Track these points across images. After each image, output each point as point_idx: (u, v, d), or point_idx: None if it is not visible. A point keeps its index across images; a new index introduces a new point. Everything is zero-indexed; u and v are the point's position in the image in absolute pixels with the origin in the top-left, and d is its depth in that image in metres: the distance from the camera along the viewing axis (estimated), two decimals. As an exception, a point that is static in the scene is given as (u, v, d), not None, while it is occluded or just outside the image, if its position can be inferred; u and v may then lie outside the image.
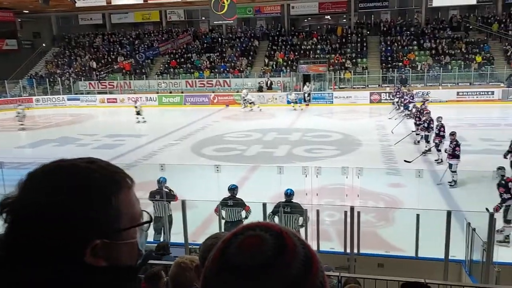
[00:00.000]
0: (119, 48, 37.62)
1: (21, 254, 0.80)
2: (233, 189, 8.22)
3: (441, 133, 13.28)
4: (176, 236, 7.81)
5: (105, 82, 33.94)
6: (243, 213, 8.02)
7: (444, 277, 6.31)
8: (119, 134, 20.42)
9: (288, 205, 7.65)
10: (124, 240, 0.87)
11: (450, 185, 11.25)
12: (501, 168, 8.59)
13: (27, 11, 38.19)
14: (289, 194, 7.83)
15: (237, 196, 8.18)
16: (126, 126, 23.18)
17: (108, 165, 0.90)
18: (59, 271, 0.80)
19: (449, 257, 6.45)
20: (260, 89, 30.19)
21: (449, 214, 6.60)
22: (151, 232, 8.24)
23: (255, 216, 7.66)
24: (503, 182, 8.24)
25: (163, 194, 8.51)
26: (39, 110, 30.53)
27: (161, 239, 8.19)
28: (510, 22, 31.55)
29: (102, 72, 35.11)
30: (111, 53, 37.18)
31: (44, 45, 39.62)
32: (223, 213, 8.03)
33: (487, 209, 6.94)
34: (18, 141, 20.23)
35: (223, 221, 7.99)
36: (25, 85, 34.42)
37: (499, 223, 7.25)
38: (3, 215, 0.82)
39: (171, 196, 8.64)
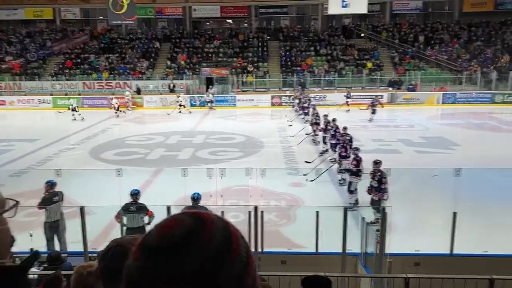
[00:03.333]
0: (7, 47, 34.56)
1: None
2: (135, 194, 7.93)
3: (337, 134, 14.09)
4: (74, 244, 7.36)
5: (-10, 83, 30.97)
6: (146, 219, 7.77)
7: (342, 269, 6.67)
8: (7, 139, 18.78)
9: (195, 209, 7.53)
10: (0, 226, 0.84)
11: (340, 183, 11.78)
12: (377, 163, 9.33)
13: None
14: (196, 198, 7.76)
15: (139, 201, 7.92)
16: (16, 130, 21.37)
17: None
18: None
19: (346, 251, 6.84)
20: (138, 92, 29.49)
21: (345, 210, 7.01)
22: (43, 243, 7.74)
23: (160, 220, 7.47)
24: (384, 177, 9.04)
25: (59, 196, 8.09)
26: None
27: (58, 248, 7.71)
28: (397, 31, 34.51)
29: (-14, 73, 32.00)
30: (-2, 52, 34.07)
31: None
32: (125, 219, 7.72)
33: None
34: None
35: (124, 228, 7.69)
36: None
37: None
38: None
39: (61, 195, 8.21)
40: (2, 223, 0.85)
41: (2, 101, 28.94)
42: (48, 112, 27.10)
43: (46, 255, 6.08)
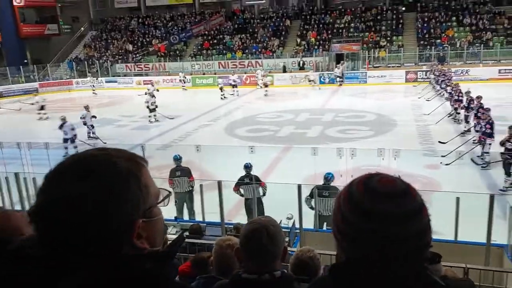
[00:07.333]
0: (154, 31, 37.91)
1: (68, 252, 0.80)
2: (249, 167, 8.35)
3: (479, 113, 12.79)
4: (212, 215, 7.71)
5: (141, 65, 34.51)
6: (261, 190, 8.17)
7: (486, 262, 6.11)
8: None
9: (327, 189, 7.58)
10: (156, 217, 0.89)
11: (482, 167, 10.77)
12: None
13: (66, -4, 39.12)
14: (328, 178, 7.77)
15: (252, 174, 8.32)
16: (162, 107, 23.26)
17: (119, 150, 0.90)
18: (118, 261, 0.81)
19: (491, 242, 6.23)
20: (284, 70, 29.88)
21: (492, 198, 6.35)
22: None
23: (292, 198, 7.52)
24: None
25: (183, 171, 8.77)
26: (78, 92, 31.66)
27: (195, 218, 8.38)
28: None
29: (137, 55, 35.59)
30: (146, 35, 37.59)
31: (82, 29, 40.46)
32: (242, 191, 8.23)
33: None
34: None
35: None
36: (65, 68, 35.73)
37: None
38: (41, 221, 0.81)
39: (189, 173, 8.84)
40: (157, 214, 0.90)
41: (150, 80, 31.74)
42: (187, 91, 29.11)
43: (189, 224, 6.68)
